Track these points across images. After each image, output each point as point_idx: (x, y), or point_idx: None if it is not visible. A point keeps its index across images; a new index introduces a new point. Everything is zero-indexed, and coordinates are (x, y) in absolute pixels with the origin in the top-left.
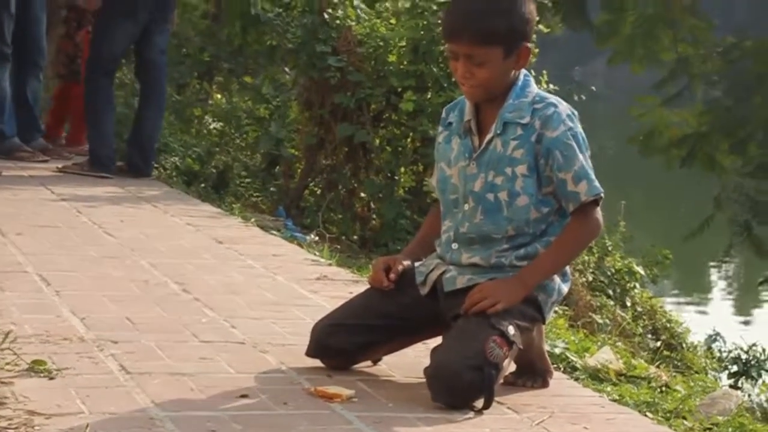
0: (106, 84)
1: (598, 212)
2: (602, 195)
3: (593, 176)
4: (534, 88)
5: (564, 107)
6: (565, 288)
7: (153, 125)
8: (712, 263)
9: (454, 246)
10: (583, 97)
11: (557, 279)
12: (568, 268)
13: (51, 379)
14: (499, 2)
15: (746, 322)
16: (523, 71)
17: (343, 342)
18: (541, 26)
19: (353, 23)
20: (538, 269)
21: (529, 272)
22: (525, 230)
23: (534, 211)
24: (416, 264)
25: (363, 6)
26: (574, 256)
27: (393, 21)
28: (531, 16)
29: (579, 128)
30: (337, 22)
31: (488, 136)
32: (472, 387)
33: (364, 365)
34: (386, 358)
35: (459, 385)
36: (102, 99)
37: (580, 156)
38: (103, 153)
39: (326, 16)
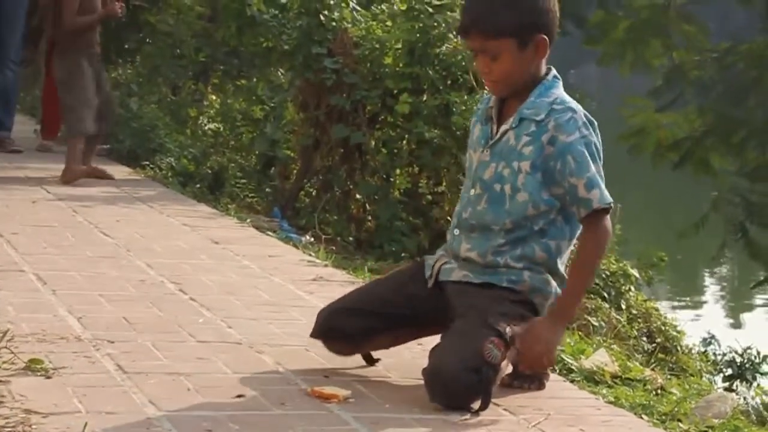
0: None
1: (608, 219)
2: (612, 205)
3: (604, 186)
4: (559, 92)
5: (581, 114)
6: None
7: None
8: (706, 267)
9: (456, 232)
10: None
11: (553, 282)
12: (564, 272)
13: (48, 378)
14: None
15: (740, 325)
16: (554, 72)
17: (346, 325)
18: None
19: (349, 25)
20: (572, 295)
21: (565, 303)
22: (523, 224)
23: (531, 209)
24: (426, 257)
25: (359, 8)
26: (597, 266)
27: (389, 23)
28: (546, 6)
29: (594, 137)
30: (333, 23)
31: (504, 127)
32: (469, 388)
33: (361, 365)
34: (383, 359)
35: (456, 387)
36: None
37: (593, 165)
38: None
39: (322, 17)
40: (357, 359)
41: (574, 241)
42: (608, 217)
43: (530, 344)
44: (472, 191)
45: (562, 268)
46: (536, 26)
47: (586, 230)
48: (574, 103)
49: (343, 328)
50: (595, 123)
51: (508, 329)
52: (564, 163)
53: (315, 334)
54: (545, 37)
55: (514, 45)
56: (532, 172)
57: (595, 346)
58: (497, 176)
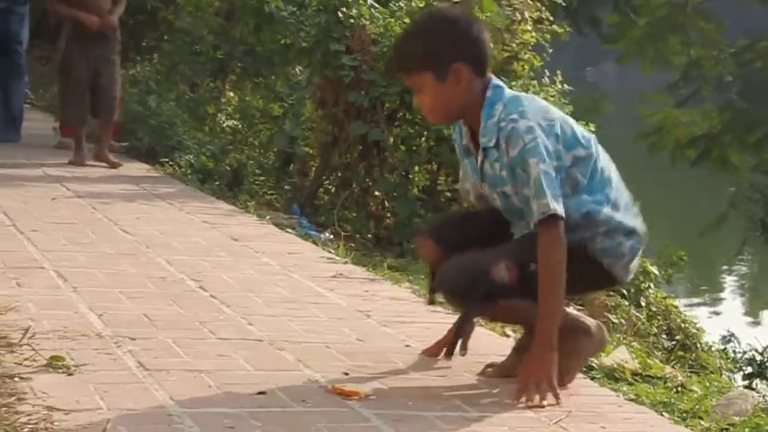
0: None
1: (554, 229)
2: (554, 212)
3: (550, 190)
4: (502, 102)
5: (528, 119)
6: (635, 243)
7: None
8: (725, 264)
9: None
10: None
11: (620, 238)
12: (631, 223)
13: (69, 375)
14: (417, 29)
15: (760, 323)
16: (494, 82)
17: (453, 233)
18: (555, 27)
19: (367, 22)
20: (544, 321)
21: (540, 332)
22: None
23: None
24: None
25: (377, 5)
26: (556, 281)
27: (407, 20)
28: (463, 35)
29: (543, 137)
30: (351, 21)
31: (479, 159)
32: (457, 290)
33: (382, 362)
34: (405, 357)
35: (448, 286)
36: None
37: (538, 169)
38: None
39: (340, 15)
40: (379, 356)
41: (613, 188)
42: (555, 227)
43: (526, 383)
44: (510, 218)
45: (625, 218)
46: (450, 56)
47: (538, 243)
48: (518, 110)
49: (450, 234)
50: (551, 121)
51: (533, 265)
52: (517, 176)
53: (421, 231)
54: (462, 65)
55: (431, 78)
56: (520, 190)
57: (615, 343)
58: (506, 199)
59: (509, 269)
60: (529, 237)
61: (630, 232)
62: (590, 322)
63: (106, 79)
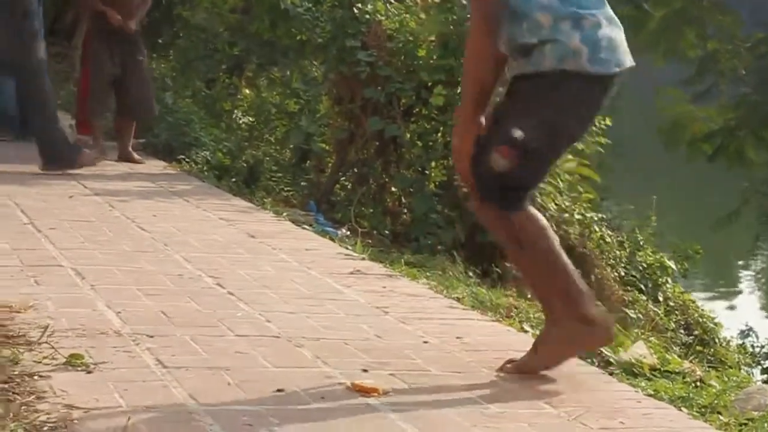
0: None
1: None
2: None
3: None
4: None
5: None
6: (588, 32)
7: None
8: (741, 258)
9: None
10: None
11: (566, 31)
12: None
13: (88, 373)
14: None
15: None
16: None
17: None
18: None
19: (383, 18)
20: (463, 95)
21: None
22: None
23: None
24: None
25: (392, 0)
26: (470, 54)
27: (423, 15)
28: None
29: None
30: (367, 16)
31: None
32: (484, 194)
33: (401, 358)
34: (423, 353)
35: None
36: None
37: None
38: None
39: (356, 10)
40: (398, 352)
41: None
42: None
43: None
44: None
45: (567, 7)
46: None
47: None
48: None
49: None
50: None
51: (514, 131)
52: None
53: None
54: None
55: None
56: None
57: (633, 338)
58: None
59: (503, 153)
60: (497, 110)
61: (578, 20)
62: (595, 312)
63: (133, 79)
